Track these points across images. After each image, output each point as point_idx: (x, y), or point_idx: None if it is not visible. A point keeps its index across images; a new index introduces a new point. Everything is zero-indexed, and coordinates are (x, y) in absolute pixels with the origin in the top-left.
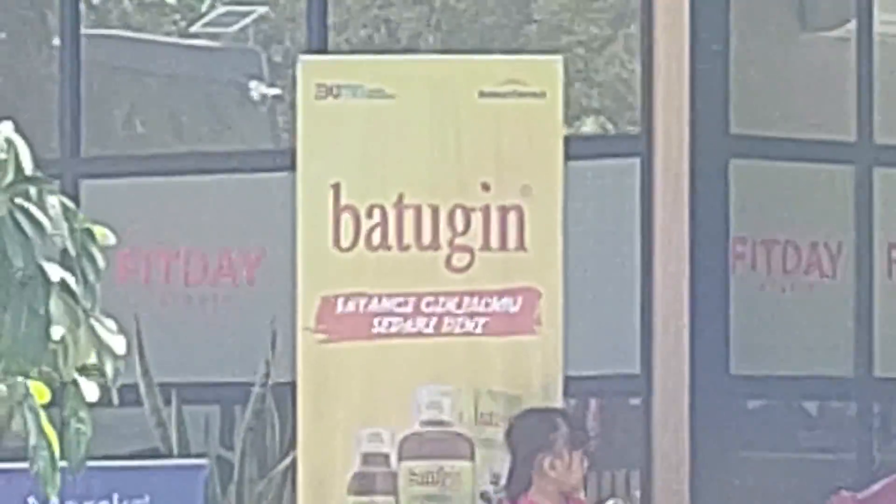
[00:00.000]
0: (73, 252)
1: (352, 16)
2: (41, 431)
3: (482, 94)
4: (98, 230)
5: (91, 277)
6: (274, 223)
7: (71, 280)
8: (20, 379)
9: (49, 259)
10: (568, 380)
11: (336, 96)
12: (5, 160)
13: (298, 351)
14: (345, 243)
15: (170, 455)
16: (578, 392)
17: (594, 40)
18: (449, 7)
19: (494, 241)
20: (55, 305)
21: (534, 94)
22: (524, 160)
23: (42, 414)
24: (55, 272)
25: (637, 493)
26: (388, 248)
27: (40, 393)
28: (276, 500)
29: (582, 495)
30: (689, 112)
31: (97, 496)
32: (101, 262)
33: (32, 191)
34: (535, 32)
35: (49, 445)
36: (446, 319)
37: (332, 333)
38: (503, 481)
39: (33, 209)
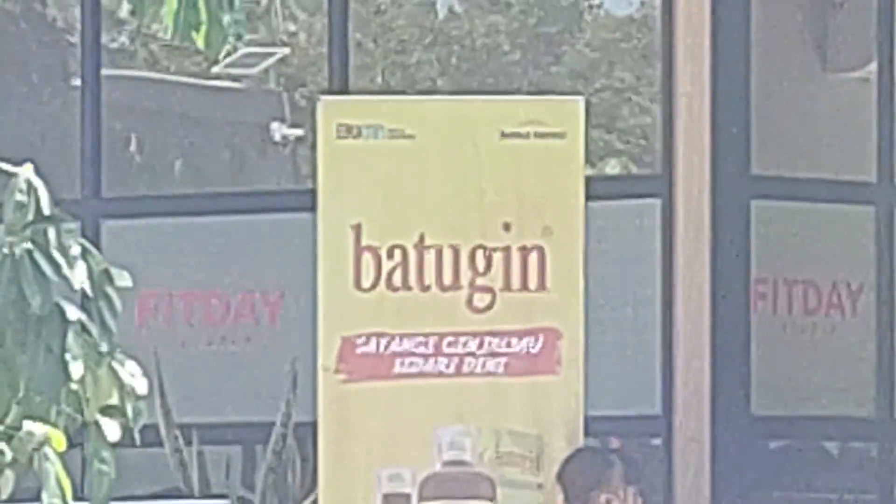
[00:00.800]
0: (90, 293)
1: (374, 59)
2: (56, 480)
3: (503, 135)
4: (116, 272)
5: (108, 319)
6: (295, 264)
7: (87, 321)
8: (37, 427)
9: (67, 300)
10: (589, 420)
11: (356, 136)
12: (25, 201)
13: (319, 391)
14: (365, 283)
15: (191, 496)
16: (600, 432)
17: (619, 83)
18: (468, 49)
19: (515, 281)
20: (73, 344)
21: (555, 135)
22: (545, 200)
23: (58, 461)
24: (73, 312)
25: None
26: (409, 288)
27: (57, 440)
28: None
29: None
30: (710, 152)
31: None
32: (118, 305)
33: (52, 231)
34: (558, 76)
35: (63, 494)
36: (467, 360)
37: (353, 373)
38: None
39: (52, 250)
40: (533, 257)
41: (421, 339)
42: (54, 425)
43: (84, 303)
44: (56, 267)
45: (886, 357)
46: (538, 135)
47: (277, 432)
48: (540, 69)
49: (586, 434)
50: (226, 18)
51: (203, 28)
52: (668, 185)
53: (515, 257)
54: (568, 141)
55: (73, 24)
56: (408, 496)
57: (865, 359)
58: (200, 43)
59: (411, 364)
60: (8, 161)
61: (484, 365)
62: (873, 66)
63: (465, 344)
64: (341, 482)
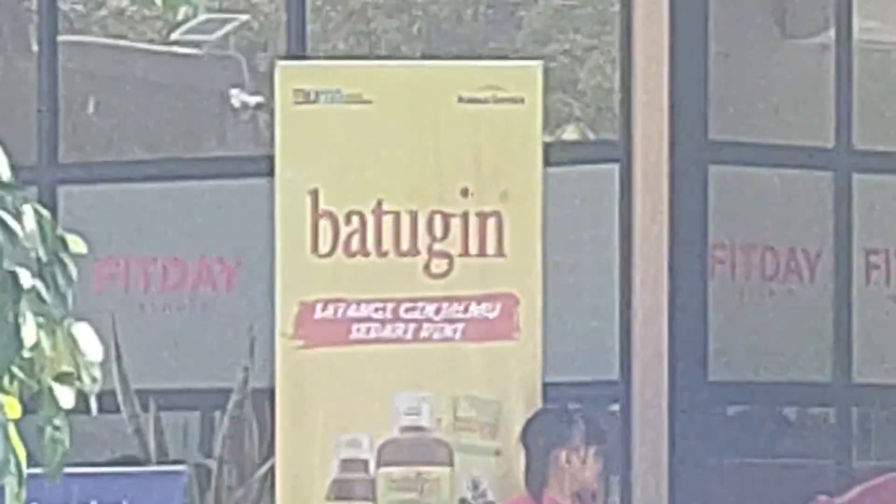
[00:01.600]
0: (45, 259)
1: (334, 25)
2: (9, 447)
3: (461, 100)
4: (71, 238)
5: (63, 285)
6: (253, 230)
7: (42, 288)
8: None
9: (21, 266)
10: (547, 386)
11: (314, 102)
12: None
13: (277, 357)
14: (323, 249)
15: (148, 462)
16: (558, 398)
17: (576, 48)
18: (431, 16)
19: (473, 247)
20: (27, 310)
21: (513, 100)
22: (503, 166)
23: (11, 428)
24: (27, 279)
25: (616, 500)
26: (367, 254)
27: (11, 407)
28: None
29: (596, 489)
30: (668, 118)
31: (76, 503)
32: (73, 271)
33: (8, 198)
34: (518, 41)
35: (17, 461)
36: (425, 325)
37: (311, 340)
38: (482, 486)
39: (6, 216)
40: (491, 223)
41: (378, 304)
42: (8, 392)
43: (40, 269)
44: (9, 233)
45: (844, 322)
46: (496, 100)
47: (235, 399)
48: (501, 34)
49: (544, 400)
50: None
51: None
52: (627, 150)
53: (473, 223)
54: (526, 106)
55: None
56: (365, 462)
57: (823, 324)
58: (160, 3)
59: (369, 330)
60: None
61: (442, 330)
62: (831, 33)
63: (422, 310)
64: (299, 448)
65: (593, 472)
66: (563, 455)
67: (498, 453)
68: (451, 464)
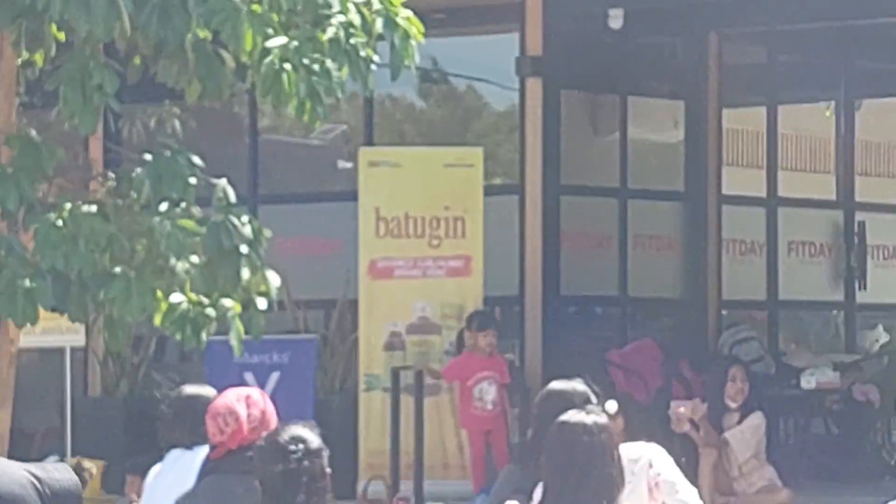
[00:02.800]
0: (252, 239)
1: (383, 129)
2: (237, 326)
3: (445, 165)
4: (264, 229)
5: (261, 252)
6: (350, 224)
7: (252, 253)
8: (227, 301)
9: (242, 243)
10: (485, 299)
11: (376, 165)
12: (222, 197)
13: (360, 284)
14: (380, 233)
15: (298, 333)
16: (493, 304)
17: (499, 141)
18: (434, 125)
19: (451, 233)
20: (245, 264)
21: (469, 165)
22: (466, 196)
23: (237, 318)
24: (244, 249)
25: None
26: (400, 236)
27: (237, 308)
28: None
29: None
30: (541, 172)
31: (265, 351)
32: (265, 245)
33: (234, 210)
34: (469, 138)
35: (239, 332)
36: (428, 270)
37: (375, 276)
38: (452, 345)
39: (234, 219)
40: (459, 223)
41: (405, 259)
42: (234, 299)
43: (250, 244)
44: (235, 228)
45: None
46: (462, 165)
47: (341, 303)
48: (461, 133)
49: (485, 303)
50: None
51: (309, 110)
52: (522, 189)
53: (451, 223)
54: (475, 168)
55: None
56: (401, 334)
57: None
58: (306, 120)
59: (402, 271)
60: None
61: (436, 272)
62: (617, 134)
63: (425, 262)
64: (371, 327)
65: None
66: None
67: (459, 332)
68: (440, 334)
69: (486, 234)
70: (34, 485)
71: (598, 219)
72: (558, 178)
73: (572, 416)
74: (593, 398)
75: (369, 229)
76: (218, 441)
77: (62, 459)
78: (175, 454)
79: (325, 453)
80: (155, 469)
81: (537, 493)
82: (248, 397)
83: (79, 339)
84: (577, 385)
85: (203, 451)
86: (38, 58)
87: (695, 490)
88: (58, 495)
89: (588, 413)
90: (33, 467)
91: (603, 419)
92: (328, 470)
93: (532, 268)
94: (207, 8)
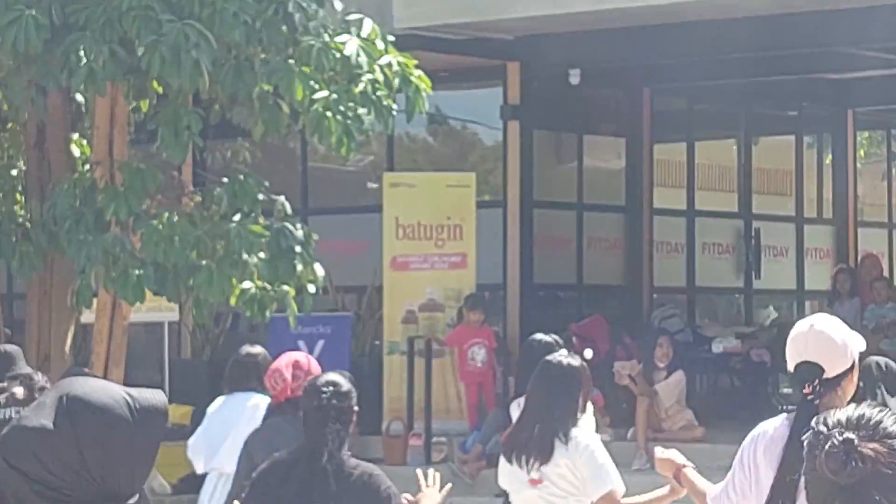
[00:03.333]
0: (303, 241)
1: (403, 156)
2: (292, 304)
3: (448, 186)
4: (312, 235)
5: (311, 251)
6: (375, 230)
7: (304, 251)
8: (285, 287)
9: (297, 244)
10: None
11: (397, 186)
12: (281, 209)
13: (385, 276)
14: (399, 236)
15: (337, 311)
16: (482, 290)
17: (489, 168)
18: (438, 154)
19: (452, 236)
20: (299, 260)
21: (466, 185)
22: (463, 209)
23: (293, 300)
24: (298, 248)
25: None
26: (414, 238)
27: (291, 293)
28: None
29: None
30: (519, 191)
31: (313, 324)
32: (313, 245)
33: (291, 220)
34: (468, 165)
35: (293, 310)
36: (435, 264)
37: (396, 268)
38: (454, 318)
39: (290, 226)
40: (458, 228)
41: (419, 255)
42: (291, 286)
43: (303, 244)
44: (293, 234)
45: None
46: (459, 185)
47: (368, 292)
48: (461, 161)
49: (476, 288)
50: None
51: (345, 145)
52: (504, 203)
53: (452, 227)
54: (470, 188)
55: None
56: (415, 311)
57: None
58: (343, 152)
59: (416, 264)
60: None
61: (441, 266)
62: (575, 163)
63: (433, 258)
64: (394, 306)
65: None
66: None
67: (458, 309)
68: (443, 311)
69: (477, 238)
70: (126, 400)
71: (561, 226)
72: (532, 195)
73: (556, 356)
74: (561, 346)
75: (391, 233)
76: (273, 395)
77: None
78: (229, 397)
79: (354, 395)
80: (216, 403)
81: (515, 407)
82: (295, 363)
83: (174, 315)
84: (550, 336)
85: (248, 397)
86: (143, 105)
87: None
88: (147, 410)
89: (568, 356)
90: (131, 389)
91: (577, 361)
92: (356, 408)
93: (512, 263)
94: (269, 68)
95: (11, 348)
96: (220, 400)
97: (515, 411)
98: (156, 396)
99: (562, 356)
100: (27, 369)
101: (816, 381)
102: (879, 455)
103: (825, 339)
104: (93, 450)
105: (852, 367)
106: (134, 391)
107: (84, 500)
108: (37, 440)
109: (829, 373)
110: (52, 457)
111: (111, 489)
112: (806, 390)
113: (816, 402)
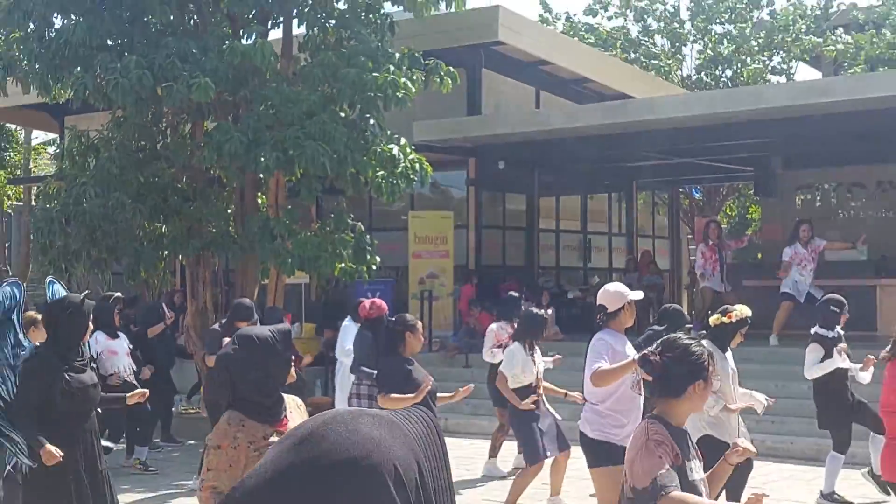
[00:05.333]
0: (370, 244)
1: (420, 202)
2: (364, 275)
3: (441, 218)
4: (374, 241)
5: (373, 249)
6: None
7: (370, 249)
8: (362, 266)
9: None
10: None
11: (416, 218)
12: (360, 229)
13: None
14: (416, 243)
15: (386, 279)
16: (457, 270)
17: (461, 208)
18: (434, 201)
19: (441, 244)
20: (367, 253)
21: (448, 217)
22: (447, 230)
23: (364, 272)
24: (368, 247)
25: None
26: (424, 243)
27: (364, 268)
28: None
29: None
30: (475, 220)
31: (376, 285)
32: (374, 246)
33: (363, 234)
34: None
35: (364, 277)
36: (433, 256)
37: (418, 275)
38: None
39: (364, 237)
40: (441, 237)
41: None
42: (364, 266)
43: (355, 238)
44: (365, 240)
45: None
46: (443, 218)
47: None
48: (445, 202)
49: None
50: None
51: (388, 190)
52: (467, 225)
53: (444, 237)
54: (453, 216)
55: None
56: (430, 291)
57: None
58: (381, 196)
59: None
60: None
61: (435, 258)
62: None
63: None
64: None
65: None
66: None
67: (449, 289)
68: (438, 279)
69: (455, 243)
70: (271, 332)
71: (496, 236)
72: (481, 222)
73: (529, 308)
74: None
75: (412, 241)
76: (363, 316)
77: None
78: (348, 321)
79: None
80: (344, 322)
81: (490, 329)
82: (372, 302)
83: (307, 280)
84: (516, 293)
85: (350, 322)
86: (292, 179)
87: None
88: (282, 332)
89: (539, 308)
90: (272, 327)
91: (540, 311)
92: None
93: (471, 254)
94: (354, 161)
95: (247, 301)
96: (345, 322)
97: (491, 333)
98: (283, 324)
99: (534, 311)
100: (255, 316)
101: (602, 313)
102: (664, 358)
103: (608, 293)
104: (270, 360)
105: (624, 307)
106: (272, 327)
107: (271, 390)
108: (248, 357)
109: (610, 309)
110: (252, 367)
111: (279, 382)
112: (598, 318)
113: (602, 324)
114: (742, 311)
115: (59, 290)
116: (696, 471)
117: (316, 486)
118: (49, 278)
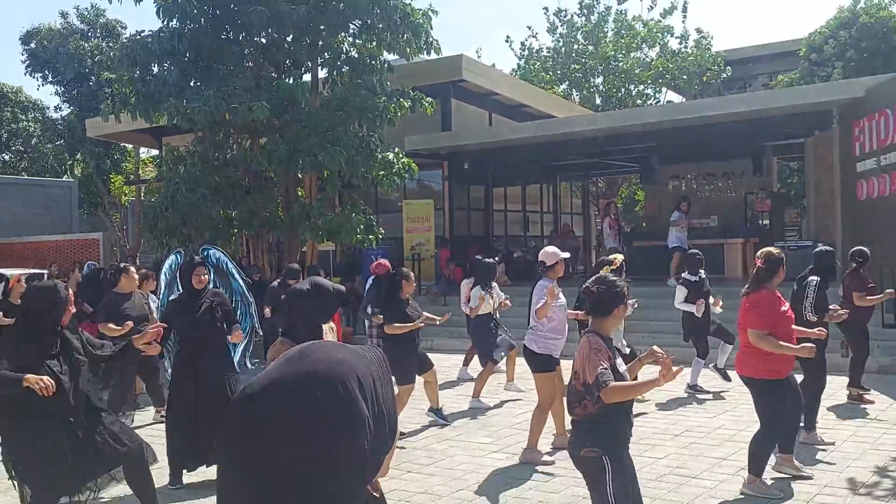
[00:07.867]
0: (375, 222)
1: (410, 192)
2: (372, 243)
3: (424, 203)
4: (379, 220)
5: (378, 226)
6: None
7: (376, 226)
8: (371, 237)
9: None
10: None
11: (408, 204)
12: (369, 213)
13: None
14: (409, 222)
15: (387, 246)
16: (438, 241)
17: (438, 197)
18: (421, 192)
19: (425, 222)
20: (374, 228)
21: (430, 203)
22: (429, 212)
23: (372, 240)
24: (373, 224)
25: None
26: (415, 222)
27: (372, 238)
28: None
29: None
30: (448, 205)
31: (381, 250)
32: (378, 223)
33: (372, 216)
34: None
35: (373, 245)
36: (419, 231)
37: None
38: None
39: (371, 218)
40: (425, 223)
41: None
42: (372, 237)
43: (365, 220)
44: (370, 219)
45: None
46: (428, 219)
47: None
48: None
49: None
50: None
51: (388, 185)
52: (448, 219)
53: (429, 223)
54: (433, 205)
55: None
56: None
57: None
58: (383, 188)
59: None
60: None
61: (422, 233)
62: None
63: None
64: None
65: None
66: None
67: (431, 252)
68: (424, 245)
69: (434, 222)
70: (331, 286)
71: (463, 217)
72: (453, 206)
73: (483, 259)
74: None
75: (405, 220)
76: (373, 273)
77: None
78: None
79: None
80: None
81: (464, 282)
82: (379, 262)
83: (333, 247)
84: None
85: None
86: (321, 179)
87: None
88: (339, 291)
89: (496, 263)
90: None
91: (492, 260)
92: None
93: (446, 228)
94: (363, 163)
95: (296, 265)
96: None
97: (465, 286)
98: (338, 285)
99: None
100: (301, 276)
101: (542, 267)
102: (598, 289)
103: (547, 253)
104: (325, 302)
105: (556, 263)
106: (336, 285)
107: (320, 325)
108: (316, 299)
109: (548, 264)
110: (314, 307)
111: (326, 321)
112: (540, 270)
113: (542, 274)
114: (617, 258)
115: (215, 253)
116: (621, 365)
117: (301, 385)
118: (204, 246)
